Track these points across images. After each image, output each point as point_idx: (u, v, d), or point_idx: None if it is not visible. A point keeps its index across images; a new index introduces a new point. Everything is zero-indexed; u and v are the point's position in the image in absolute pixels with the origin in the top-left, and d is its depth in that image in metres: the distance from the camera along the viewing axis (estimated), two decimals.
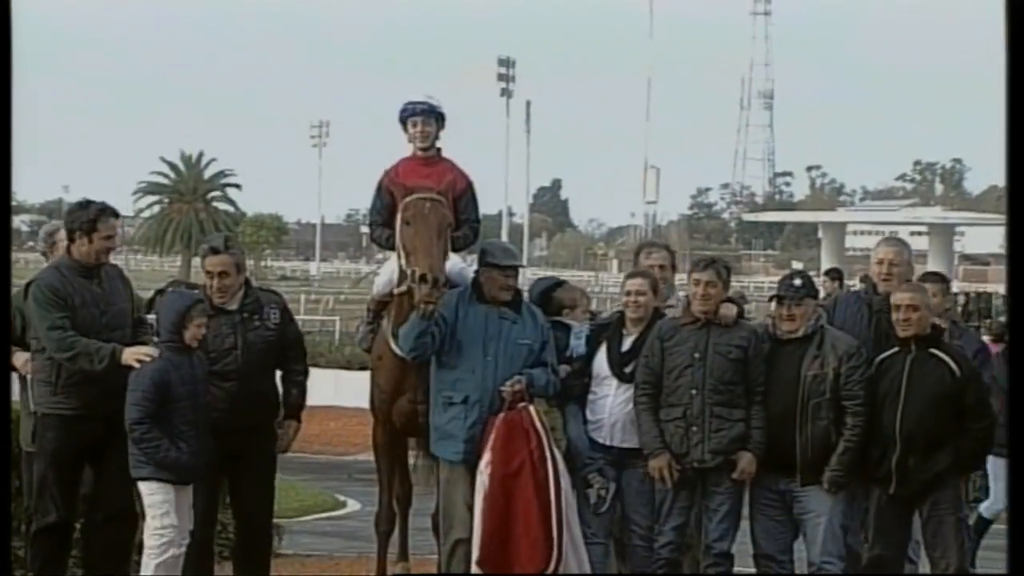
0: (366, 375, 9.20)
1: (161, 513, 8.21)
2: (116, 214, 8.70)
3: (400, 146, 9.28)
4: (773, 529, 8.42)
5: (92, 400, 8.36)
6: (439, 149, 9.22)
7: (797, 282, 8.51)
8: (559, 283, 9.26)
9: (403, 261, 8.62)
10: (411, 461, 9.55)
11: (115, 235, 8.61)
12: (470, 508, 8.43)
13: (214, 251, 8.76)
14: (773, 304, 8.58)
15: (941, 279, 9.44)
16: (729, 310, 8.51)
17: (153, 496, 8.24)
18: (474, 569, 8.31)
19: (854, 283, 18.13)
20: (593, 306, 9.71)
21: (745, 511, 8.52)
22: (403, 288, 8.69)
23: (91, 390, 8.34)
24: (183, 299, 8.44)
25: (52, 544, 8.54)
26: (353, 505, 14.28)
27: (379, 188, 9.12)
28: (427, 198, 8.65)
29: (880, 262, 8.90)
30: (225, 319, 8.63)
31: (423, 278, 8.28)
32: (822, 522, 8.31)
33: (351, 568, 10.68)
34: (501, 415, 8.34)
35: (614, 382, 8.60)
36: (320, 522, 12.18)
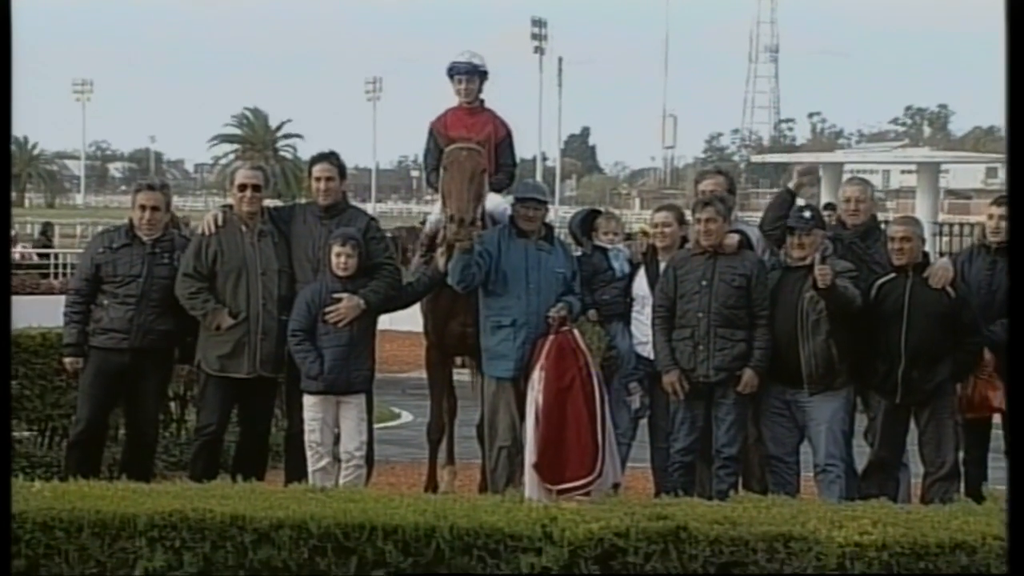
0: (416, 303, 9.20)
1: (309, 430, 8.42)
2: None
3: (443, 99, 9.30)
4: (781, 434, 8.38)
5: None
6: (482, 101, 9.27)
7: (807, 214, 8.43)
8: (597, 211, 9.24)
9: (442, 203, 8.67)
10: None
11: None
12: (514, 419, 8.46)
13: (150, 187, 8.83)
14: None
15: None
16: (732, 239, 8.46)
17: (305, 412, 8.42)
18: (528, 472, 8.23)
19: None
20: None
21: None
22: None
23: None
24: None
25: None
26: (407, 417, 14.27)
27: (430, 133, 9.19)
28: (464, 147, 8.65)
29: (848, 200, 8.79)
30: (138, 250, 8.60)
31: (451, 218, 8.36)
32: (823, 429, 8.26)
33: (405, 471, 10.73)
34: (551, 337, 8.32)
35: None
36: (378, 432, 12.17)
